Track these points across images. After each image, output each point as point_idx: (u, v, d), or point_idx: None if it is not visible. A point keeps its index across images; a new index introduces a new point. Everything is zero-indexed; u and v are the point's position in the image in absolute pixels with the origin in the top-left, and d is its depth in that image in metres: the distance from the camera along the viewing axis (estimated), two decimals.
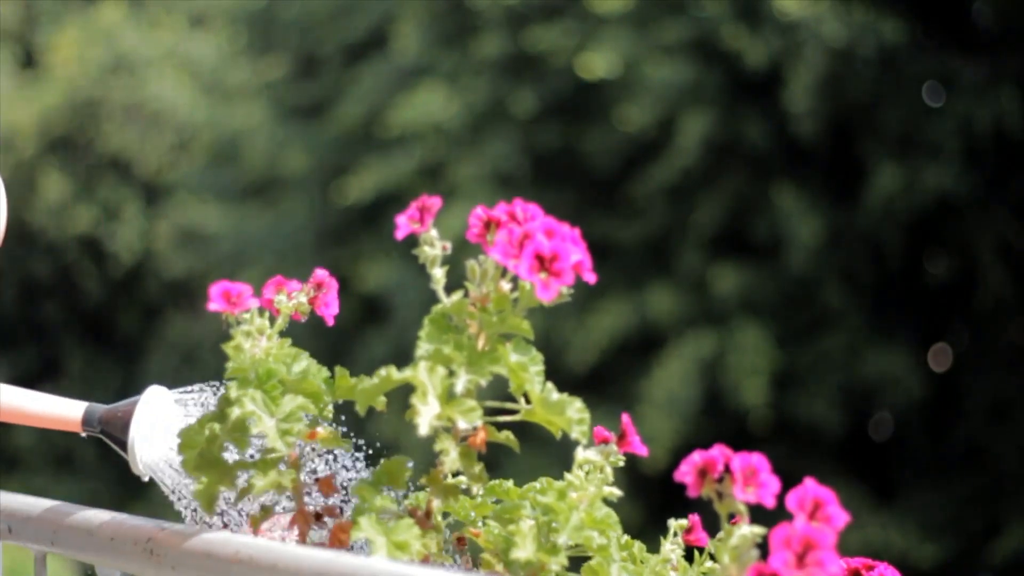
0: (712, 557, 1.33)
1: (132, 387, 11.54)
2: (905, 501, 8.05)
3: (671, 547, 1.34)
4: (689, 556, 1.34)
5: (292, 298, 1.31)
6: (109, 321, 12.31)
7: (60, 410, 1.45)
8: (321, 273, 1.34)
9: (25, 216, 12.08)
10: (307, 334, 1.37)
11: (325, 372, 1.26)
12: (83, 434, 1.45)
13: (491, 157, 8.70)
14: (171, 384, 1.42)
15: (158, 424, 1.41)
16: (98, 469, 11.36)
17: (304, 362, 1.26)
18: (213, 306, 1.25)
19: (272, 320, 1.28)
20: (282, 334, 1.27)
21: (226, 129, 10.42)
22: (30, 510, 1.37)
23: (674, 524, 1.34)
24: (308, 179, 9.87)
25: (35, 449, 11.54)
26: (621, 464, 1.27)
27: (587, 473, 1.25)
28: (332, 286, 1.34)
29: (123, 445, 1.42)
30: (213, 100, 11.33)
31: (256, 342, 1.25)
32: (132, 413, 1.41)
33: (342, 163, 9.39)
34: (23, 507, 1.38)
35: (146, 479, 1.42)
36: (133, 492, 10.74)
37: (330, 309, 1.33)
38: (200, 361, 10.73)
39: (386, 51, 9.41)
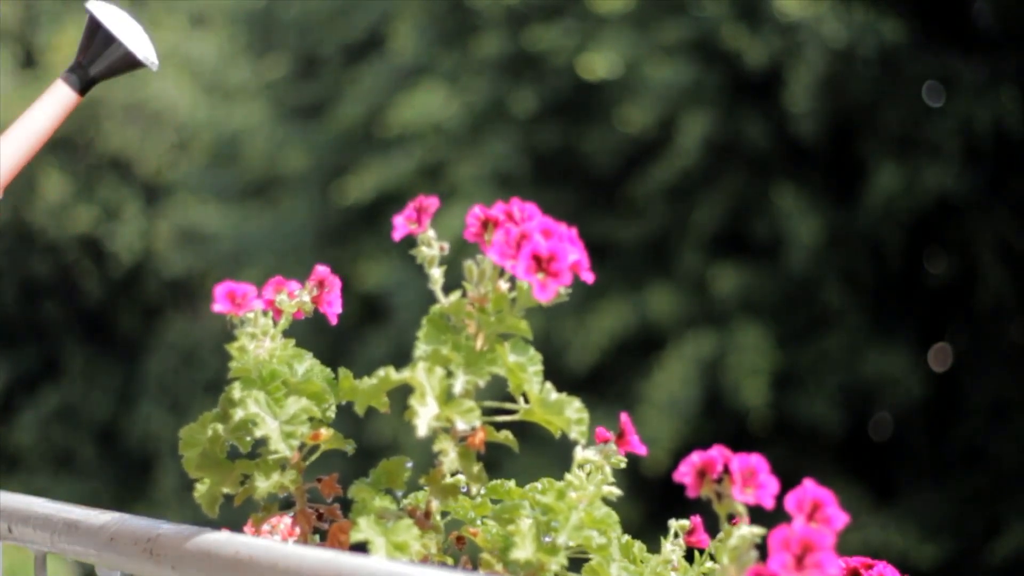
0: (712, 558, 1.33)
1: (132, 387, 11.56)
2: (905, 501, 8.05)
3: (672, 548, 1.34)
4: (690, 557, 1.34)
5: (295, 297, 1.31)
6: (109, 321, 12.30)
7: (50, 110, 1.44)
8: (322, 270, 1.33)
9: (25, 216, 12.08)
10: (306, 333, 1.36)
11: (328, 373, 1.26)
12: (80, 98, 1.44)
13: (491, 157, 8.69)
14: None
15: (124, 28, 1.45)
16: (98, 469, 11.35)
17: (307, 362, 1.25)
18: (218, 307, 1.25)
19: (275, 320, 1.28)
20: (284, 334, 1.27)
21: (226, 129, 10.42)
22: (30, 510, 1.37)
23: (675, 525, 1.34)
24: (308, 179, 9.87)
25: (35, 449, 11.53)
26: (623, 466, 1.27)
27: (588, 473, 1.25)
28: (335, 284, 1.33)
29: (125, 60, 1.44)
30: (213, 100, 11.32)
31: (260, 343, 1.25)
32: (109, 37, 1.43)
33: (342, 163, 9.39)
34: (23, 507, 1.38)
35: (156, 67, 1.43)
36: (133, 492, 10.73)
37: (333, 308, 1.33)
38: (200, 361, 10.72)
39: (385, 51, 9.41)
